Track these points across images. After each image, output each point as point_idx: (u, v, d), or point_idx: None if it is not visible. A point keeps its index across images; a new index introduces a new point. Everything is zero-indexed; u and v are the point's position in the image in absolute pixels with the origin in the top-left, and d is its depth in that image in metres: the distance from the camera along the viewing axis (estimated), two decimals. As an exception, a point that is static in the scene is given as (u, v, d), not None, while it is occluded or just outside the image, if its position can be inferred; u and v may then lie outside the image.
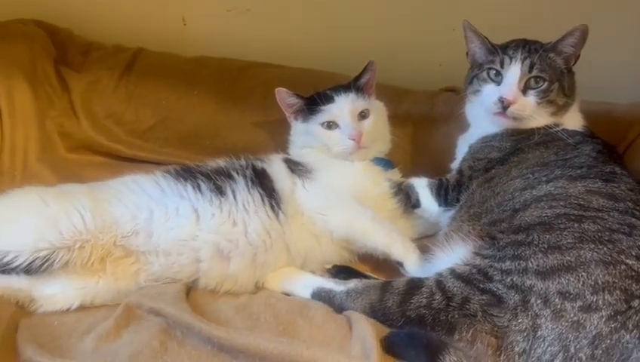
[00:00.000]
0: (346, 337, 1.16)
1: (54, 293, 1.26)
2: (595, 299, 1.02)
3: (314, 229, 1.45)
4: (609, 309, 1.01)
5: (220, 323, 1.18)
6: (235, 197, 1.40)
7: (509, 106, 1.39)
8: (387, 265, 1.43)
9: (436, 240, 1.36)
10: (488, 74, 1.45)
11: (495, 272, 1.12)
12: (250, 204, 1.40)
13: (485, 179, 1.41)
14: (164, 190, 1.39)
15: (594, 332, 0.99)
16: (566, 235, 1.12)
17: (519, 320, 1.04)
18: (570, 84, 1.44)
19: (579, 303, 1.02)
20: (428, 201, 1.53)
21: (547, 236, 1.13)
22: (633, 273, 1.05)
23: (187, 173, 1.44)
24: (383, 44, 2.00)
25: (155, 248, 1.30)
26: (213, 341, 1.11)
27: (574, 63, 1.45)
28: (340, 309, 1.26)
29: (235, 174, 1.45)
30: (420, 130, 1.87)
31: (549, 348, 1.01)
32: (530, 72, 1.39)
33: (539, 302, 1.05)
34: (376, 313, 1.19)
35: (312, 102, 1.59)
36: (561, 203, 1.20)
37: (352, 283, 1.28)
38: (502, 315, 1.06)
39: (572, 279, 1.05)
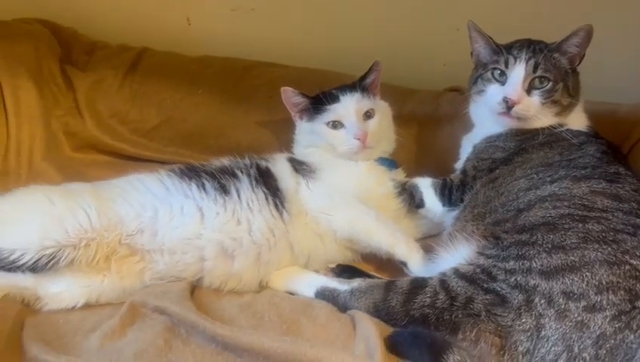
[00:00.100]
0: (349, 336, 1.16)
1: (60, 291, 1.26)
2: (599, 299, 1.02)
3: (318, 229, 1.46)
4: (613, 309, 1.01)
5: (224, 322, 1.18)
6: (239, 196, 1.40)
7: (513, 106, 1.39)
8: (391, 265, 1.43)
9: (440, 240, 1.36)
10: (493, 74, 1.45)
11: (499, 272, 1.12)
12: (254, 203, 1.40)
13: (489, 179, 1.41)
14: (169, 189, 1.40)
15: (598, 333, 1.00)
16: (570, 235, 1.12)
17: (523, 320, 1.04)
18: (574, 84, 1.44)
19: (583, 303, 1.02)
20: (432, 201, 1.52)
21: (551, 236, 1.13)
22: (637, 273, 1.05)
23: (192, 172, 1.44)
24: (387, 44, 2.00)
25: (160, 246, 1.31)
26: (217, 339, 1.11)
27: (579, 63, 1.45)
28: (343, 308, 1.26)
29: (239, 173, 1.45)
30: (424, 130, 1.86)
31: (552, 348, 1.01)
32: (534, 72, 1.39)
33: (543, 301, 1.05)
34: (380, 312, 1.19)
35: (318, 102, 1.59)
36: (565, 203, 1.20)
37: (356, 283, 1.28)
38: (506, 315, 1.06)
39: (576, 279, 1.05)
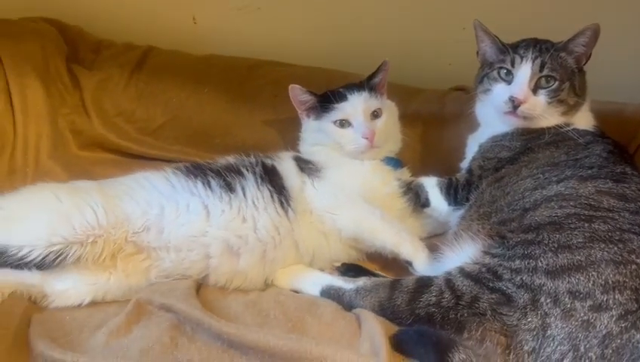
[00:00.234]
0: (355, 334, 1.16)
1: (66, 289, 1.27)
2: (605, 299, 1.02)
3: (322, 227, 1.46)
4: (619, 309, 1.01)
5: (230, 320, 1.18)
6: (244, 194, 1.40)
7: (519, 105, 1.38)
8: (396, 264, 1.43)
9: (445, 240, 1.36)
10: (499, 73, 1.45)
11: (504, 271, 1.12)
12: (260, 201, 1.40)
13: (495, 179, 1.40)
14: (175, 186, 1.40)
15: (604, 332, 0.99)
16: (576, 235, 1.12)
17: (529, 319, 1.04)
18: (581, 84, 1.43)
19: (589, 302, 1.02)
20: (437, 200, 1.52)
21: (557, 235, 1.13)
22: (644, 273, 1.05)
23: (197, 170, 1.45)
24: (392, 43, 2.00)
25: (166, 244, 1.32)
26: (223, 337, 1.12)
27: (585, 63, 1.44)
28: (349, 307, 1.26)
29: (244, 171, 1.46)
30: (429, 129, 1.86)
31: (558, 347, 1.01)
32: (541, 71, 1.39)
33: (548, 301, 1.05)
34: (385, 311, 1.19)
35: (325, 100, 1.59)
36: (571, 203, 1.20)
37: (362, 281, 1.28)
38: (511, 314, 1.06)
39: (582, 278, 1.05)
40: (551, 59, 1.39)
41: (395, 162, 1.64)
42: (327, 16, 2.09)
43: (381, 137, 1.56)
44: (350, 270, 1.43)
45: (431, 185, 1.54)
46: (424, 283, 1.17)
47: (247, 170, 1.46)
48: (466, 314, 1.09)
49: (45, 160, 1.80)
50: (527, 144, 1.42)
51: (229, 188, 1.40)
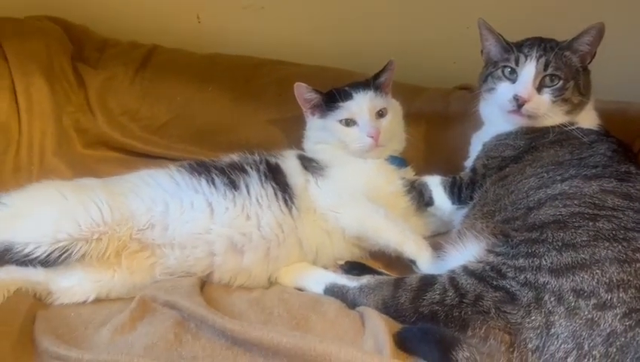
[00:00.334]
0: (358, 332, 1.17)
1: (71, 286, 1.27)
2: (609, 297, 1.02)
3: (326, 226, 1.46)
4: (624, 307, 1.00)
5: (234, 317, 1.19)
6: (248, 192, 1.41)
7: (523, 104, 1.38)
8: (399, 262, 1.44)
9: (449, 238, 1.36)
10: (503, 72, 1.45)
11: (508, 269, 1.12)
12: (264, 198, 1.41)
13: (499, 178, 1.40)
14: (179, 184, 1.41)
15: (608, 330, 0.99)
16: (580, 233, 1.12)
17: (532, 318, 1.04)
18: (585, 83, 1.43)
19: (593, 301, 1.02)
20: (441, 199, 1.53)
21: (561, 234, 1.13)
22: (648, 271, 1.05)
23: (201, 168, 1.45)
24: (396, 42, 2.00)
25: (171, 241, 1.32)
26: (227, 334, 1.12)
27: (590, 62, 1.44)
28: (352, 305, 1.26)
29: (248, 169, 1.46)
30: (433, 128, 1.86)
31: (562, 346, 1.00)
32: (545, 70, 1.39)
33: (552, 299, 1.05)
34: (389, 309, 1.19)
35: (331, 99, 1.59)
36: (575, 202, 1.19)
37: (365, 279, 1.28)
38: (515, 312, 1.06)
39: (586, 277, 1.05)
40: (555, 58, 1.39)
41: (399, 161, 1.64)
42: (332, 15, 2.09)
43: (386, 136, 1.56)
44: (354, 268, 1.43)
45: (435, 184, 1.54)
46: (428, 281, 1.17)
47: (252, 167, 1.47)
48: (469, 312, 1.09)
49: (50, 158, 1.80)
50: (531, 143, 1.42)
51: (233, 185, 1.41)
